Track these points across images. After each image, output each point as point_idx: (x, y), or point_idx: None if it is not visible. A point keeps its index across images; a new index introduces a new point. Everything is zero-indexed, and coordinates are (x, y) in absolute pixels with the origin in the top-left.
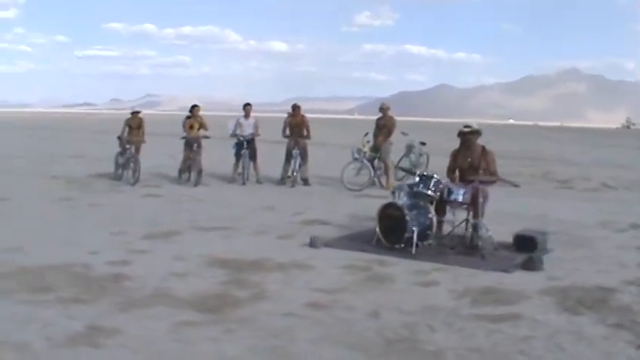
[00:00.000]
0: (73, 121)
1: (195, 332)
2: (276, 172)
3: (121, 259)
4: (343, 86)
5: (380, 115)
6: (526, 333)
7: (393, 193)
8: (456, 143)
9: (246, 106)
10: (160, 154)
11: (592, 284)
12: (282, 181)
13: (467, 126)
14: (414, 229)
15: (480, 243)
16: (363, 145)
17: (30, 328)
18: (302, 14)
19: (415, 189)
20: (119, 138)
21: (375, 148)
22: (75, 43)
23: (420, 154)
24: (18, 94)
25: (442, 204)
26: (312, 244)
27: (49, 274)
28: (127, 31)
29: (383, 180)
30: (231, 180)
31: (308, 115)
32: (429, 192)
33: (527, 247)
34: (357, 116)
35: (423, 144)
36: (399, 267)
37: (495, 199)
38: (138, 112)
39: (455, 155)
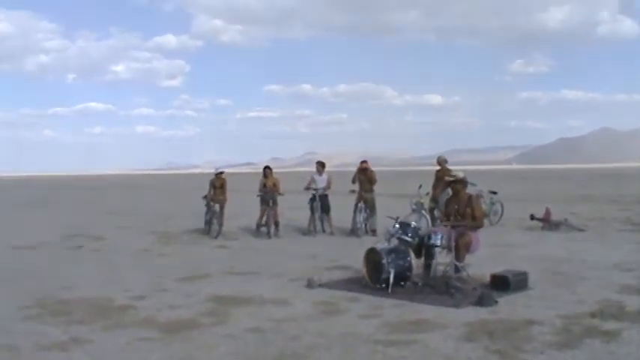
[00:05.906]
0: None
1: (141, 344)
2: None
3: (141, 295)
4: (500, 136)
5: (438, 167)
6: (403, 354)
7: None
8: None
9: (318, 163)
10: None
11: (524, 318)
12: (351, 232)
13: (452, 175)
14: (390, 270)
15: (452, 282)
16: (421, 197)
17: (30, 338)
18: (455, 67)
19: (396, 235)
20: (204, 197)
21: (434, 199)
22: (236, 105)
23: (492, 203)
24: (185, 157)
25: (428, 248)
26: (309, 285)
27: (76, 305)
28: (285, 92)
29: None
30: (306, 232)
31: (464, 167)
32: (407, 238)
33: (501, 286)
34: (514, 166)
35: (494, 193)
36: (363, 303)
37: (548, 242)
38: (221, 173)
39: (447, 204)
